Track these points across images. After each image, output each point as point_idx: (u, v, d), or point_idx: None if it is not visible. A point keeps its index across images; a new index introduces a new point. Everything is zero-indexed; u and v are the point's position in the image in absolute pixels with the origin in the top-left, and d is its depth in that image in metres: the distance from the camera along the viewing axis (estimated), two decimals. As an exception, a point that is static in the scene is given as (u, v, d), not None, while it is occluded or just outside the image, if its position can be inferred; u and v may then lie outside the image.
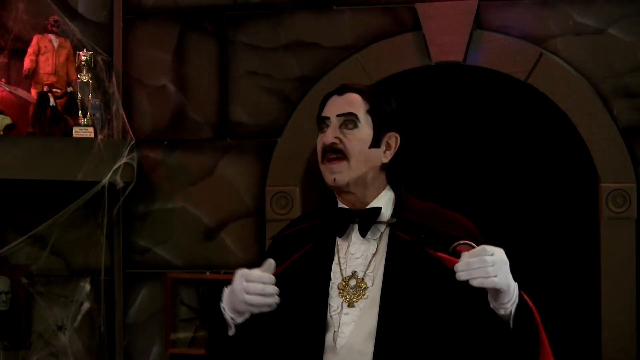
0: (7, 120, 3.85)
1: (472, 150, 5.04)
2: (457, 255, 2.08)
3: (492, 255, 2.02)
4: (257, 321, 2.23)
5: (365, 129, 2.27)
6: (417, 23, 3.89)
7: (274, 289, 2.13)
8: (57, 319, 4.06)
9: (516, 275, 2.08)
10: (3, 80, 3.99)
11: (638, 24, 3.77)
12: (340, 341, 2.21)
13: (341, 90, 2.33)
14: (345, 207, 2.31)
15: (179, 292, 4.07)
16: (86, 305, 4.06)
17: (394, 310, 2.18)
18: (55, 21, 3.96)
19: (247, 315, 2.17)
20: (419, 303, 2.17)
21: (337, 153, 2.26)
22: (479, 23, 3.86)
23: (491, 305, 2.08)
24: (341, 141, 2.26)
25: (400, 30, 3.93)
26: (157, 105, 4.11)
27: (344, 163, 2.25)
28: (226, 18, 4.08)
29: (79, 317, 4.06)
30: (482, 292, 2.06)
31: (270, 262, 2.17)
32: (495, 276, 2.00)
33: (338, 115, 2.28)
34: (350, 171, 2.26)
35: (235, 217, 4.04)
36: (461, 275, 2.01)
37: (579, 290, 4.68)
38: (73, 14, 4.11)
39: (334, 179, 2.26)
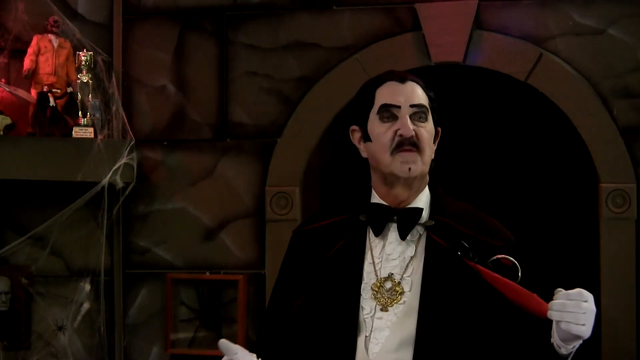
0: (7, 121, 3.85)
1: (472, 151, 5.05)
2: (497, 267, 2.04)
3: (586, 302, 2.00)
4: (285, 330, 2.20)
5: (431, 122, 2.19)
6: (417, 23, 3.89)
7: None
8: (57, 319, 4.06)
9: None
10: (3, 80, 3.99)
11: (638, 24, 3.77)
12: (374, 347, 2.10)
13: (401, 77, 2.21)
14: (382, 202, 2.19)
15: (179, 292, 4.07)
16: (86, 306, 4.06)
17: (434, 320, 2.08)
18: (55, 21, 3.96)
19: None
20: (458, 315, 2.08)
21: (412, 146, 2.14)
22: (478, 23, 3.85)
23: (552, 340, 2.05)
24: (417, 134, 2.15)
25: (400, 31, 3.93)
26: (156, 106, 4.11)
27: (417, 155, 2.14)
28: (226, 18, 4.07)
29: (79, 318, 4.06)
30: (539, 320, 2.04)
31: (222, 343, 2.11)
32: (584, 325, 2.00)
33: (411, 106, 2.16)
34: (423, 165, 2.16)
35: (235, 217, 4.04)
36: (554, 315, 1.99)
37: (579, 290, 4.67)
38: (73, 14, 4.11)
39: (409, 169, 2.13)
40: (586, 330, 2.01)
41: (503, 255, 2.08)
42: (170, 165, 4.09)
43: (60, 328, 4.06)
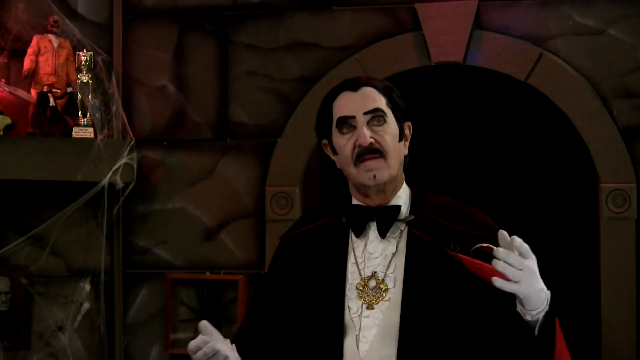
0: (7, 121, 3.85)
1: (472, 151, 5.04)
2: (479, 255, 2.03)
3: (527, 260, 1.96)
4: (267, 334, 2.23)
5: (392, 123, 2.20)
6: (417, 23, 3.89)
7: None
8: (57, 319, 4.06)
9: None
10: (3, 80, 3.99)
11: (638, 24, 3.77)
12: (363, 346, 2.13)
13: (353, 85, 2.23)
14: (361, 204, 2.23)
15: (179, 292, 4.07)
16: (86, 306, 4.06)
17: (416, 313, 2.09)
18: (55, 21, 3.96)
19: None
20: (441, 306, 2.10)
21: (374, 153, 2.16)
22: (479, 23, 3.86)
23: (517, 309, 2.02)
24: (376, 140, 2.17)
25: (400, 31, 3.93)
26: (156, 106, 4.11)
27: (382, 161, 2.16)
28: (226, 18, 4.08)
29: (79, 318, 4.06)
30: (510, 295, 2.00)
31: (202, 325, 2.09)
32: (518, 282, 1.95)
33: (365, 113, 2.18)
34: (389, 169, 2.17)
35: (235, 217, 4.04)
36: (497, 265, 1.94)
37: (579, 290, 4.68)
38: (73, 14, 4.11)
39: (374, 176, 2.16)
40: (519, 289, 1.95)
41: (483, 244, 2.06)
42: (170, 165, 4.09)
43: (60, 328, 4.06)
